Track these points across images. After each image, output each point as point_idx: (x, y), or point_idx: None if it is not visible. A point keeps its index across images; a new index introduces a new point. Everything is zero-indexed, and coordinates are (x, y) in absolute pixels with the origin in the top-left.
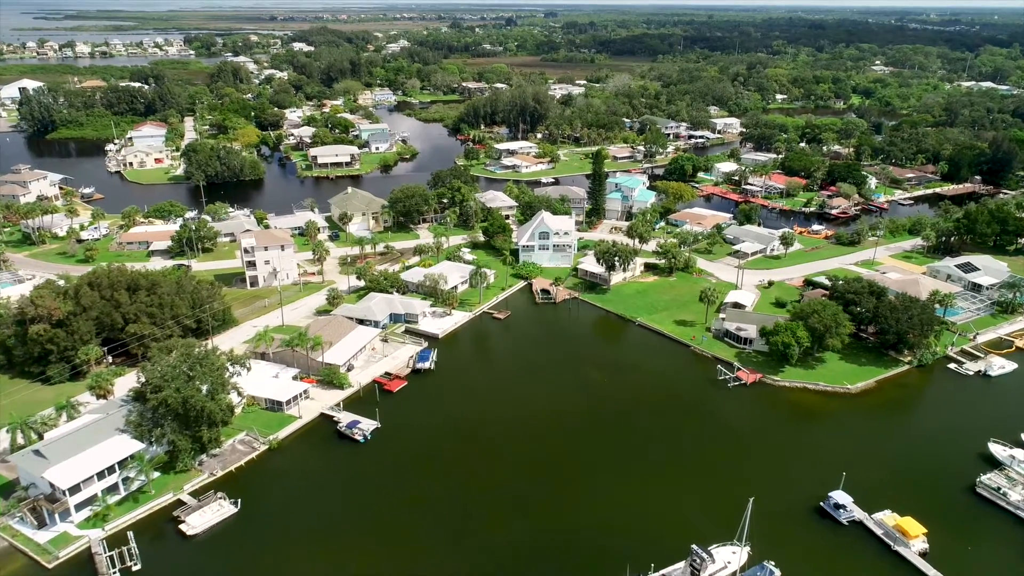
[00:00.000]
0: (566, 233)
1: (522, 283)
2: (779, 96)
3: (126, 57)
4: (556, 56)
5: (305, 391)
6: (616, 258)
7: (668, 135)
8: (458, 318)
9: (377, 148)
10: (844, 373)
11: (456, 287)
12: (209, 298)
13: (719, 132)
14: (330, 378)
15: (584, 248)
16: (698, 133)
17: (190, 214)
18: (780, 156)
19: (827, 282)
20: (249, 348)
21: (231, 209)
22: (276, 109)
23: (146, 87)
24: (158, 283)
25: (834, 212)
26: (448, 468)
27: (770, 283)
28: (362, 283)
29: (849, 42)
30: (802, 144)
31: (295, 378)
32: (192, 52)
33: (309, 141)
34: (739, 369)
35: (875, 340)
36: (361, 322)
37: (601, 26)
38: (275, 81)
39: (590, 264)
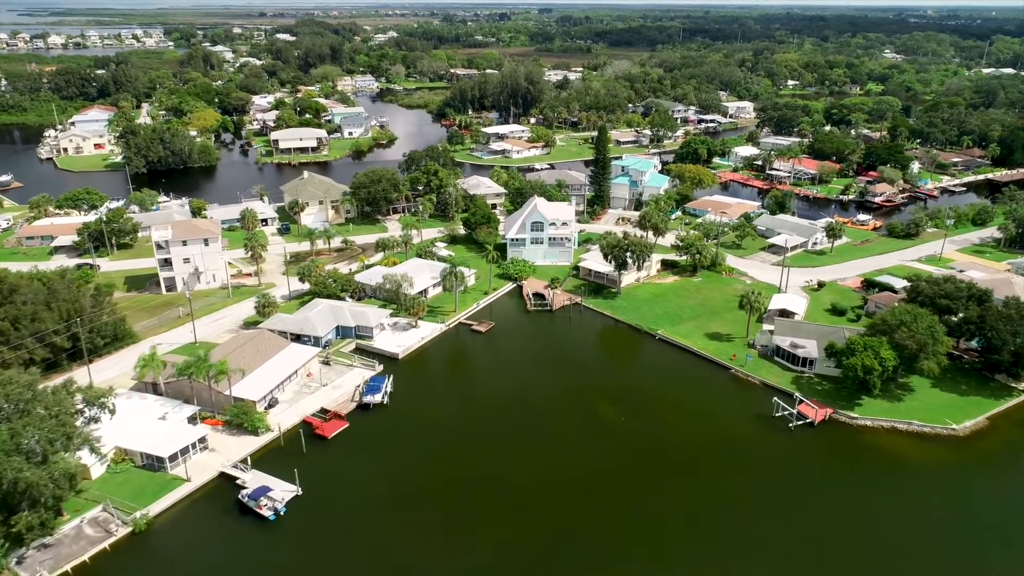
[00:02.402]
0: (564, 223)
1: (510, 285)
2: (791, 82)
3: (101, 48)
4: (551, 46)
5: (201, 439)
6: (628, 253)
7: (676, 119)
8: (425, 331)
9: (351, 133)
10: (941, 407)
11: (426, 291)
12: (95, 308)
13: (731, 116)
14: (240, 419)
15: (586, 242)
16: (708, 117)
17: (114, 203)
18: (805, 140)
19: (895, 283)
20: (135, 377)
21: (164, 198)
22: (243, 93)
23: (100, 71)
24: (17, 288)
25: (877, 200)
26: (394, 561)
27: (820, 284)
28: (306, 286)
29: (854, 32)
30: (827, 127)
31: (192, 420)
32: (171, 43)
33: (273, 125)
34: (802, 402)
35: (972, 360)
36: (298, 338)
37: (597, 21)
38: (247, 67)
39: (594, 261)
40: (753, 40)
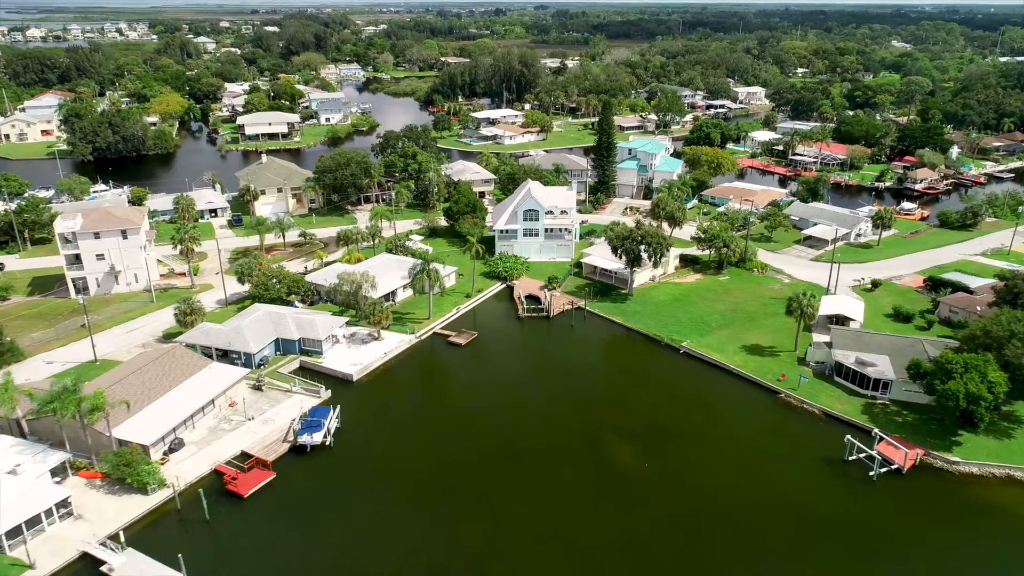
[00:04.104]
0: (564, 211)
1: (498, 286)
2: (800, 70)
3: (82, 41)
4: (547, 38)
5: (62, 503)
6: (643, 246)
7: (684, 104)
8: (390, 345)
9: (328, 119)
10: None
11: (394, 294)
12: None
13: (741, 102)
14: (122, 473)
15: (589, 234)
16: (717, 103)
17: (42, 192)
18: (826, 124)
19: (970, 282)
20: None
21: (100, 186)
22: (215, 79)
23: (62, 56)
24: None
25: (918, 187)
26: None
27: (874, 283)
28: (246, 288)
29: (858, 24)
30: (849, 112)
31: (59, 473)
32: (155, 37)
33: (242, 110)
34: (882, 439)
35: None
36: (225, 355)
37: (594, 15)
38: (223, 55)
39: (600, 257)
40: (755, 31)
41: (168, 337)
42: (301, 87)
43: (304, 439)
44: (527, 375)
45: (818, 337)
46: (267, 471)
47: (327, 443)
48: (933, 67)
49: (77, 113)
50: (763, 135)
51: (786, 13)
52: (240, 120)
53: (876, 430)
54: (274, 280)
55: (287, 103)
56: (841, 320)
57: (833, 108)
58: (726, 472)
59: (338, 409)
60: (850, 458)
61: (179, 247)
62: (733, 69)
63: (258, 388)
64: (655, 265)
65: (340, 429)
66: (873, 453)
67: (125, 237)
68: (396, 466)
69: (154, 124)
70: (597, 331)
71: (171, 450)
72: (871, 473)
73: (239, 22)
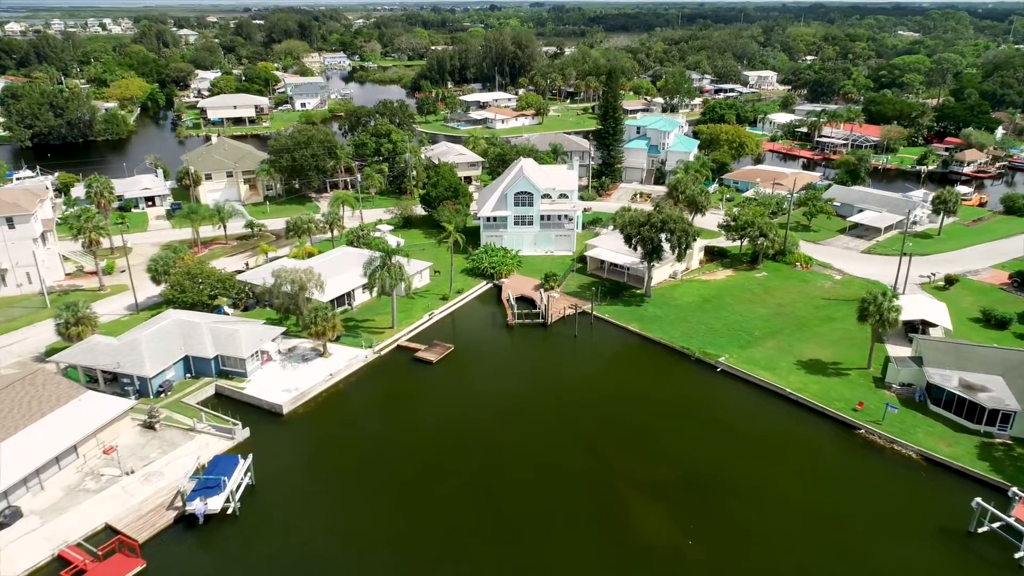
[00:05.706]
0: (563, 195)
1: (483, 285)
2: (809, 57)
3: (60, 35)
4: (543, 30)
5: None
6: (663, 234)
7: (694, 88)
8: (339, 363)
9: (304, 104)
10: None
11: (351, 296)
12: None
13: (752, 86)
14: None
15: (593, 224)
16: (727, 87)
17: None
18: (851, 105)
19: None
20: None
21: (25, 171)
22: (185, 64)
23: (22, 40)
24: None
25: (966, 171)
26: None
27: (948, 280)
28: (159, 290)
29: (861, 16)
30: (872, 93)
31: None
32: (138, 31)
33: (207, 94)
34: (1020, 499)
35: None
36: (114, 379)
37: (591, 11)
38: (200, 42)
39: (609, 249)
40: (757, 22)
41: (51, 354)
42: (278, 73)
43: (195, 506)
44: (517, 402)
45: (896, 350)
46: (133, 558)
47: (230, 510)
48: (950, 51)
49: (14, 94)
50: (782, 117)
51: (784, 9)
52: (202, 103)
53: (1014, 489)
54: (194, 279)
55: (259, 87)
56: (926, 328)
57: (857, 89)
58: (799, 551)
59: (250, 459)
60: (979, 530)
61: (84, 240)
62: (740, 55)
63: (150, 427)
64: (679, 258)
65: (253, 487)
66: (1011, 521)
67: (12, 226)
68: (329, 541)
69: (107, 109)
70: (607, 342)
71: (0, 525)
72: (1017, 555)
73: (228, 18)
